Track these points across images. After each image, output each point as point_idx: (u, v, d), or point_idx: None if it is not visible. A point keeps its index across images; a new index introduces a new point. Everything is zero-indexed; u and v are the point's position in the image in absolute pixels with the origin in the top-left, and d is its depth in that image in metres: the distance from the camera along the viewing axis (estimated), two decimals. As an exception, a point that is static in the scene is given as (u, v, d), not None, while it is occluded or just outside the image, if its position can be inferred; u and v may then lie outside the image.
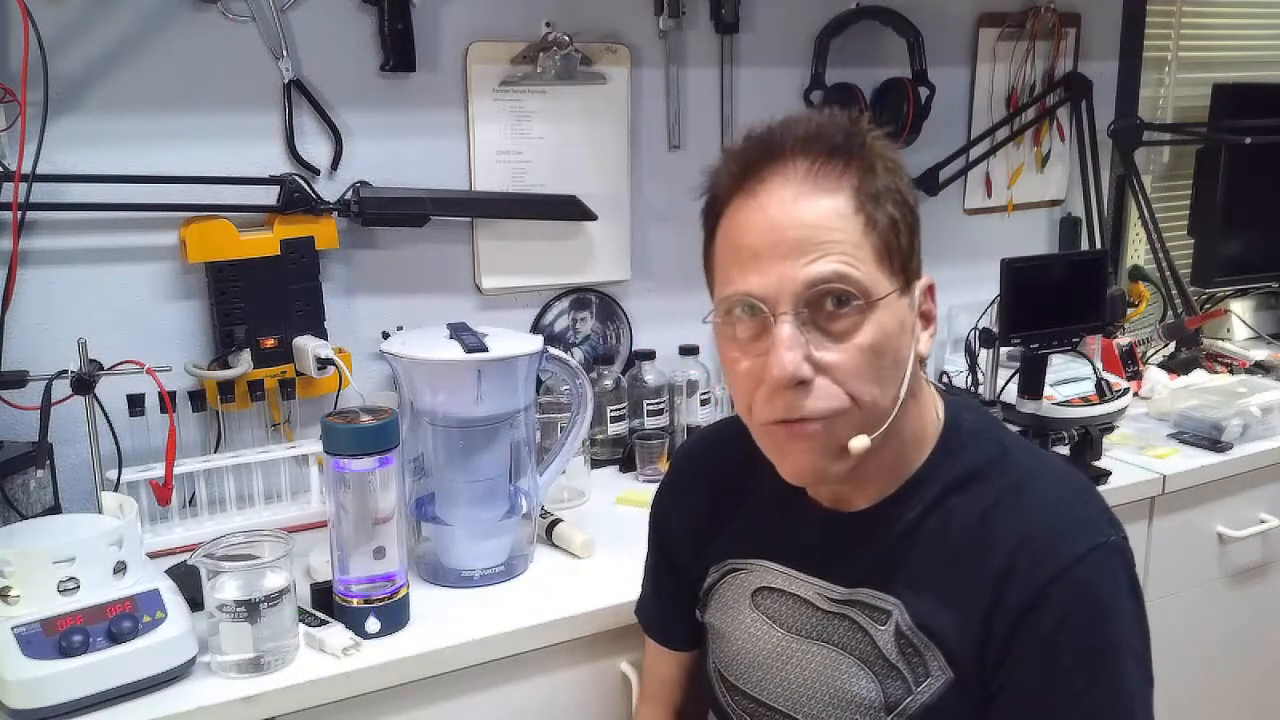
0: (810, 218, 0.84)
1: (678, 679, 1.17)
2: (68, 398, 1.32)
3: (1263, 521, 1.86)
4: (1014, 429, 1.74)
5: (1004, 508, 0.91)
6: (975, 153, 2.12)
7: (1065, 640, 0.86)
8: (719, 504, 1.07)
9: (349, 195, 1.56)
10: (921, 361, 0.92)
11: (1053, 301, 1.69)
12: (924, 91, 1.91)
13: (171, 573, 1.22)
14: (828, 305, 0.84)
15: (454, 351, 1.30)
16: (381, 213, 1.57)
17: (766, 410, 0.88)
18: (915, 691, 0.91)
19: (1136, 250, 2.45)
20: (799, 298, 0.84)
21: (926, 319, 0.93)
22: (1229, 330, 2.43)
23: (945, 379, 2.02)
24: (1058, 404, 1.76)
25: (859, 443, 0.87)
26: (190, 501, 1.45)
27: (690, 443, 1.21)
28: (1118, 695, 0.86)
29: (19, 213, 1.34)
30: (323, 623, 1.21)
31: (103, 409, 1.34)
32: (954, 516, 0.92)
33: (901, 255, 0.87)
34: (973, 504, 0.92)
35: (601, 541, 1.43)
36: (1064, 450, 1.76)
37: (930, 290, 0.93)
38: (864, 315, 0.85)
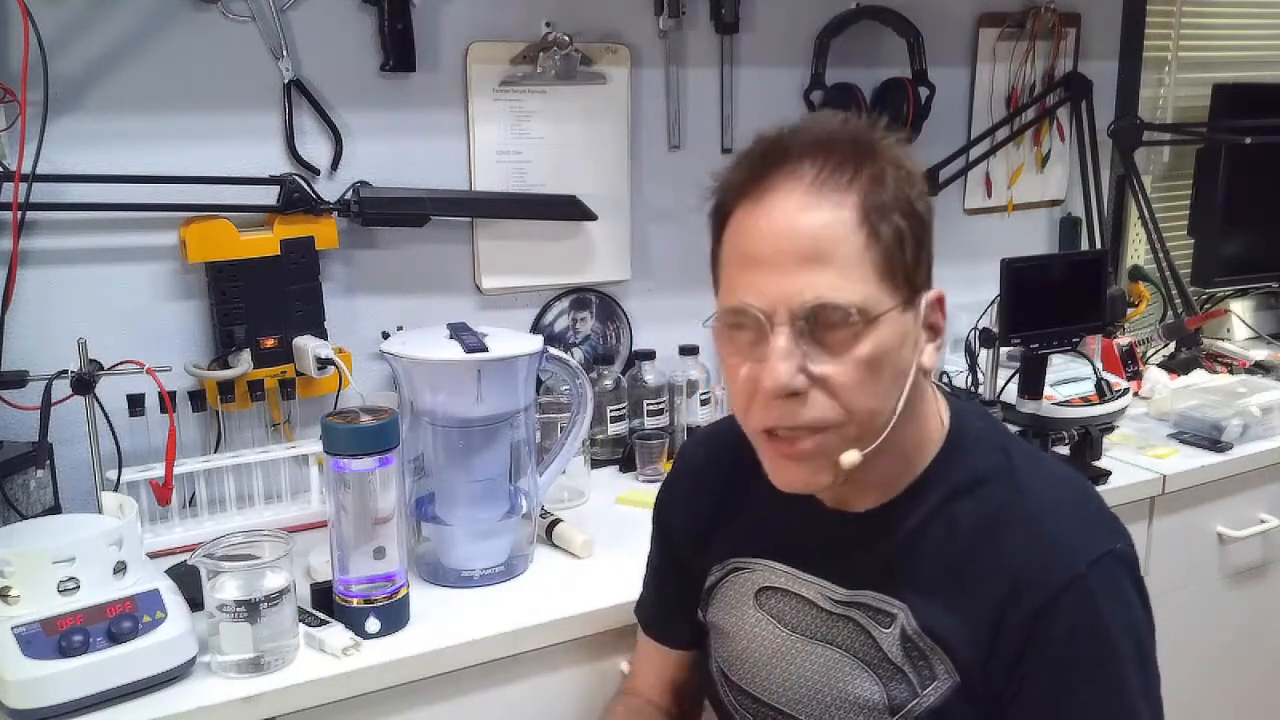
0: (812, 229, 0.84)
1: (671, 678, 1.17)
2: (68, 398, 1.32)
3: (1263, 521, 1.86)
4: (1014, 429, 1.74)
5: (1010, 516, 0.91)
6: (975, 153, 2.12)
7: (1073, 650, 0.86)
8: (723, 502, 1.07)
9: (349, 195, 1.56)
10: (926, 373, 0.91)
11: (1053, 301, 1.69)
12: (924, 91, 1.91)
13: (171, 573, 1.22)
14: (824, 319, 0.84)
15: (454, 351, 1.30)
16: (381, 213, 1.57)
17: (761, 416, 0.88)
18: (921, 695, 0.92)
19: (1136, 250, 2.45)
20: (795, 312, 0.84)
21: (934, 331, 0.91)
22: (1229, 330, 2.43)
23: (945, 379, 2.02)
24: (1058, 404, 1.76)
25: (849, 458, 0.87)
26: (190, 501, 1.45)
27: (695, 439, 1.21)
28: (1126, 705, 0.87)
29: (19, 213, 1.34)
30: (323, 623, 1.21)
31: (103, 409, 1.34)
32: (959, 522, 0.92)
33: (906, 269, 0.86)
34: (978, 510, 0.92)
35: (601, 541, 1.43)
36: (1064, 450, 1.76)
37: (939, 302, 0.91)
38: (861, 330, 0.84)
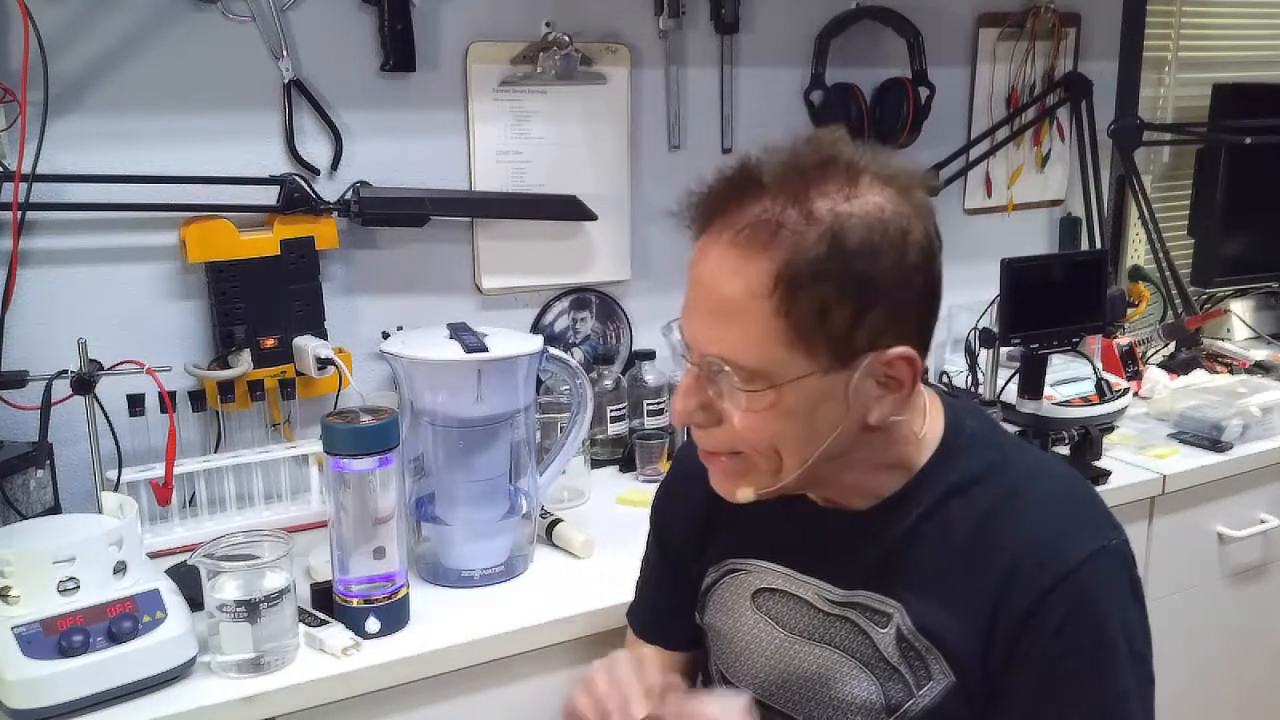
0: (722, 290, 0.84)
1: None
2: (68, 398, 1.32)
3: (1263, 521, 1.86)
4: (1014, 429, 1.74)
5: (1004, 512, 0.91)
6: (975, 153, 2.12)
7: (1065, 645, 0.86)
8: (719, 503, 1.06)
9: (349, 195, 1.56)
10: (875, 427, 0.87)
11: (1053, 301, 1.69)
12: (924, 91, 1.91)
13: (171, 573, 1.22)
14: (721, 374, 0.86)
15: (454, 351, 1.30)
16: (381, 213, 1.57)
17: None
18: (917, 694, 0.92)
19: (1136, 250, 2.44)
20: (700, 358, 0.87)
21: (896, 384, 0.86)
22: (1229, 330, 2.43)
23: (945, 379, 2.02)
24: (1058, 404, 1.76)
25: (743, 495, 0.91)
26: (190, 501, 1.45)
27: (691, 442, 1.21)
28: (1117, 700, 0.87)
29: (19, 213, 1.34)
30: (323, 623, 1.21)
31: (103, 409, 1.34)
32: (954, 520, 0.92)
33: (830, 337, 0.82)
34: (973, 508, 0.92)
35: (601, 541, 1.43)
36: (1064, 450, 1.76)
37: (906, 361, 0.85)
38: (759, 392, 0.84)
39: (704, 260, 0.86)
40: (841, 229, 0.81)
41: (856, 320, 0.83)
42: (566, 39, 1.67)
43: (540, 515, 1.47)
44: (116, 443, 1.37)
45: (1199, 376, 2.07)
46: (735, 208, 0.84)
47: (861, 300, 0.82)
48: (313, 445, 1.47)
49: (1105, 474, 1.68)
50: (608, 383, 1.77)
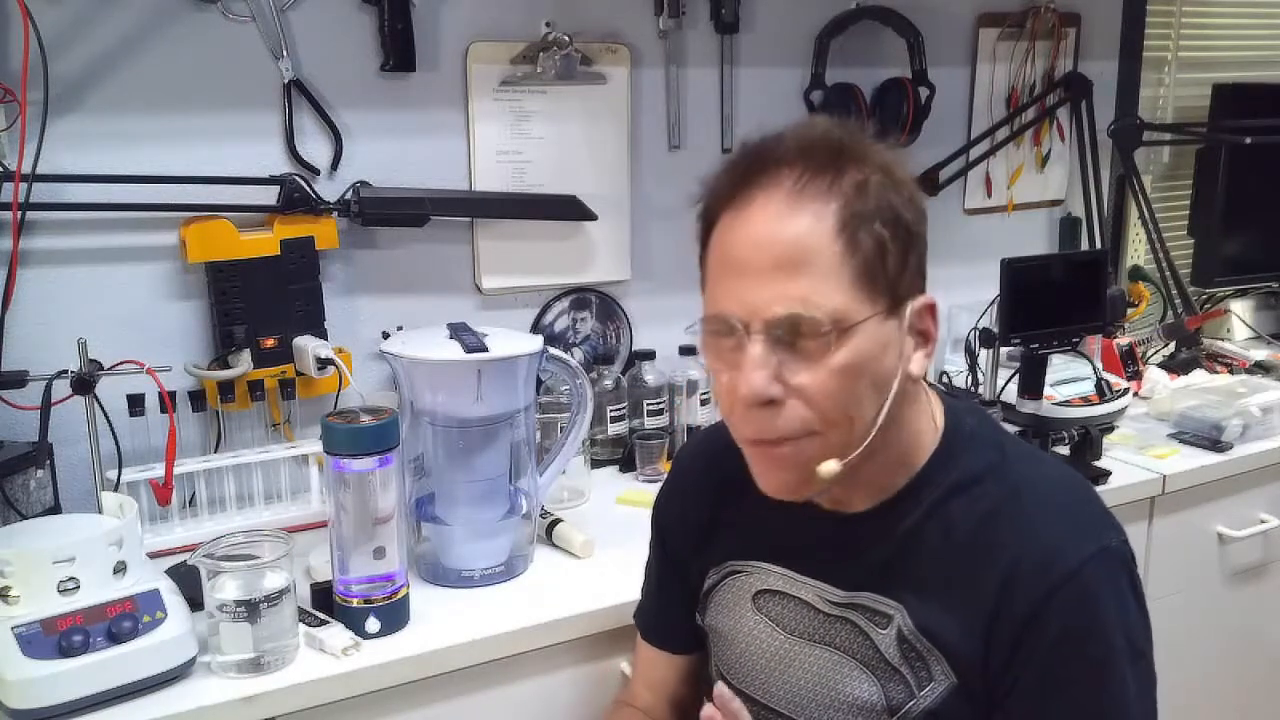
0: (789, 237, 0.83)
1: (670, 685, 1.16)
2: (68, 398, 1.32)
3: (1263, 521, 1.86)
4: (1014, 429, 1.74)
5: (1005, 513, 0.91)
6: (975, 153, 2.12)
7: (1067, 648, 0.86)
8: (720, 505, 1.07)
9: (349, 195, 1.56)
10: (914, 380, 0.90)
11: (1053, 301, 1.69)
12: (924, 91, 1.91)
13: (171, 573, 1.22)
14: (798, 330, 0.84)
15: (454, 351, 1.30)
16: (381, 213, 1.57)
17: (741, 427, 0.89)
18: (918, 695, 0.92)
19: (1136, 250, 2.45)
20: (770, 322, 0.84)
21: (924, 337, 0.90)
22: (1229, 330, 2.43)
23: (945, 379, 2.02)
24: (1058, 404, 1.76)
25: (828, 468, 0.87)
26: (190, 501, 1.45)
27: (692, 443, 1.21)
28: (1119, 700, 0.87)
29: (19, 213, 1.34)
30: (323, 623, 1.21)
31: (103, 409, 1.34)
32: (955, 521, 0.92)
33: (887, 278, 0.85)
34: (973, 508, 0.92)
35: (601, 541, 1.43)
36: (1064, 450, 1.76)
37: (929, 310, 0.90)
38: (837, 340, 0.84)
39: (756, 222, 0.85)
40: (880, 181, 0.86)
41: (904, 263, 0.86)
42: (566, 39, 1.67)
43: (540, 515, 1.47)
44: (116, 443, 1.37)
45: (1199, 376, 2.07)
46: (775, 169, 0.86)
47: (906, 244, 0.87)
48: (313, 445, 1.47)
49: (1105, 474, 1.68)
50: (608, 383, 1.77)
